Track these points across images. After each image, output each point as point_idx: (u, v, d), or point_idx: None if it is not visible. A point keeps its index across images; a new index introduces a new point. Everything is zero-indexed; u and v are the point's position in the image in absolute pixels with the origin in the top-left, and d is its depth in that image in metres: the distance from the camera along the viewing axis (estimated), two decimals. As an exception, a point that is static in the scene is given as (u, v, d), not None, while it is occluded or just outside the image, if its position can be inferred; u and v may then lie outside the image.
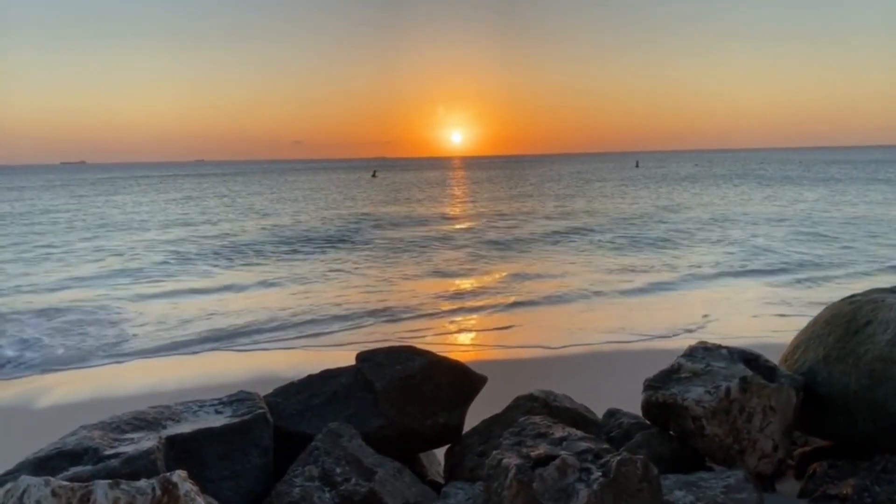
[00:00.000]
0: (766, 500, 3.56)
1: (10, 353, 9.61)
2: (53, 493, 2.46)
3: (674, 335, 9.69)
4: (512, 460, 3.00)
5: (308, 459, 3.48)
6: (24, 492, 2.45)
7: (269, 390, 4.23)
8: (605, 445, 3.15)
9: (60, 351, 9.70)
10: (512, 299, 12.83)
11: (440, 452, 4.44)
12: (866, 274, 14.73)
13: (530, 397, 4.25)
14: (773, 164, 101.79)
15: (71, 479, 2.74)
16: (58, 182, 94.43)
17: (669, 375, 4.15)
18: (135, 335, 10.51)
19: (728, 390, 3.83)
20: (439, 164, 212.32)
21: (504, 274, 15.90)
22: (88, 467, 3.02)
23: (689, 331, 9.92)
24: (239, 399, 3.93)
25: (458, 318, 11.59)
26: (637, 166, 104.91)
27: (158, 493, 2.56)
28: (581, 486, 2.81)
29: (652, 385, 4.13)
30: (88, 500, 2.47)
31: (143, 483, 2.58)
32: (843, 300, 4.47)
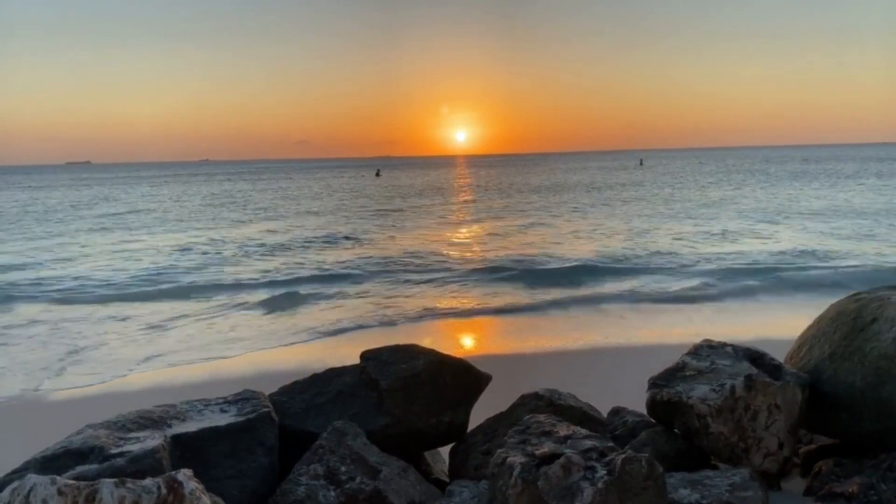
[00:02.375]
0: (771, 498, 3.55)
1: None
2: (59, 492, 2.46)
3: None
4: (517, 459, 3.00)
5: (313, 458, 3.49)
6: (30, 490, 2.46)
7: (273, 388, 4.24)
8: (610, 444, 3.14)
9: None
10: (518, 300, 12.82)
11: (445, 451, 4.44)
12: None
13: (535, 396, 4.25)
14: (777, 161, 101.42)
15: (77, 478, 2.75)
16: (72, 181, 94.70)
17: (674, 373, 4.14)
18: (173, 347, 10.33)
19: (733, 388, 3.82)
20: (443, 162, 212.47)
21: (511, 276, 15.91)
22: (94, 466, 3.03)
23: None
24: (244, 398, 3.94)
25: (460, 317, 11.59)
26: (641, 164, 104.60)
27: (164, 491, 2.56)
28: (586, 485, 2.80)
29: (657, 383, 4.12)
30: (94, 498, 2.48)
31: (148, 482, 2.58)
32: (848, 297, 4.46)
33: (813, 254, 17.12)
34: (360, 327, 10.96)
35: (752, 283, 13.83)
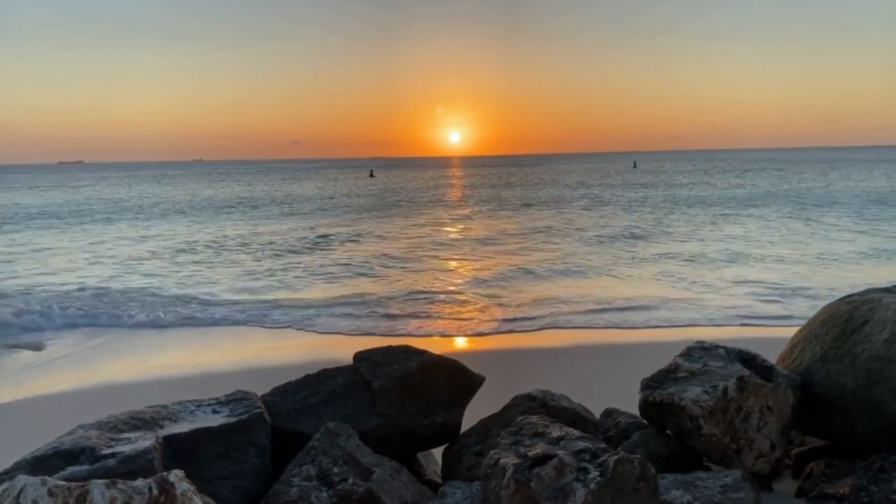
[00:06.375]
0: (763, 499, 3.56)
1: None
2: (50, 493, 2.45)
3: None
4: (509, 460, 3.00)
5: (305, 459, 3.48)
6: (20, 491, 2.45)
7: (266, 388, 4.23)
8: (603, 445, 3.15)
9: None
10: (516, 300, 12.83)
11: (438, 452, 4.44)
12: None
13: (528, 397, 4.26)
14: (771, 164, 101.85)
15: (67, 479, 2.74)
16: (67, 181, 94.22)
17: (667, 375, 4.15)
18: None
19: (725, 390, 3.83)
20: (437, 163, 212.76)
21: (509, 273, 15.92)
22: (85, 467, 3.02)
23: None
24: (236, 398, 3.94)
25: (457, 317, 11.59)
26: (635, 167, 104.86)
27: (155, 492, 2.55)
28: (578, 486, 2.81)
29: (649, 385, 4.13)
30: (85, 499, 2.46)
31: (140, 482, 2.57)
32: (840, 300, 4.48)
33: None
34: (354, 331, 10.93)
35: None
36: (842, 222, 24.77)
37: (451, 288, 14.34)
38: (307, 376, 4.25)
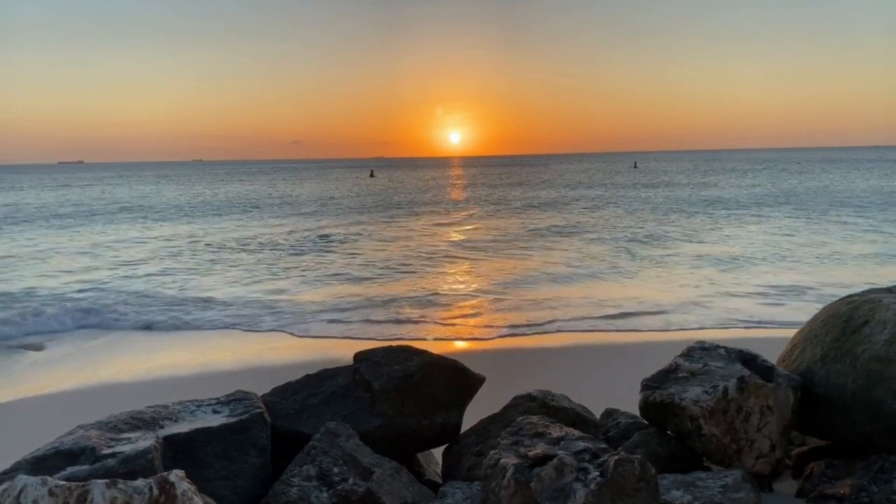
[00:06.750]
0: (763, 499, 3.56)
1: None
2: (50, 493, 2.45)
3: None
4: (509, 460, 3.00)
5: (305, 459, 3.48)
6: (20, 491, 2.45)
7: (266, 388, 4.23)
8: (603, 445, 3.15)
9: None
10: (514, 301, 12.83)
11: (438, 452, 4.44)
12: None
13: (528, 397, 4.26)
14: (773, 163, 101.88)
15: (68, 479, 2.74)
16: (67, 181, 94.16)
17: (667, 375, 4.15)
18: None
19: (726, 390, 3.83)
20: (438, 163, 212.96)
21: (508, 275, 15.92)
22: (85, 467, 3.02)
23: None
24: (236, 399, 3.93)
25: (459, 318, 11.59)
26: (635, 167, 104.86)
27: (156, 492, 2.55)
28: (578, 486, 2.81)
29: (649, 385, 4.13)
30: (85, 499, 2.46)
31: (140, 482, 2.57)
32: (840, 300, 4.48)
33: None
34: (354, 331, 10.93)
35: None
36: (842, 222, 24.83)
37: (454, 289, 14.34)
38: (307, 376, 4.24)
